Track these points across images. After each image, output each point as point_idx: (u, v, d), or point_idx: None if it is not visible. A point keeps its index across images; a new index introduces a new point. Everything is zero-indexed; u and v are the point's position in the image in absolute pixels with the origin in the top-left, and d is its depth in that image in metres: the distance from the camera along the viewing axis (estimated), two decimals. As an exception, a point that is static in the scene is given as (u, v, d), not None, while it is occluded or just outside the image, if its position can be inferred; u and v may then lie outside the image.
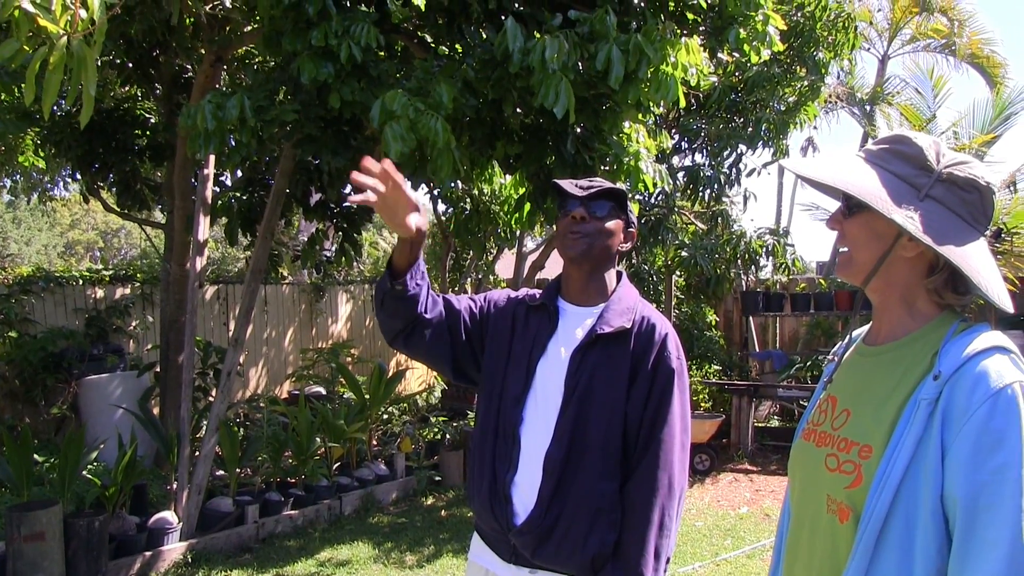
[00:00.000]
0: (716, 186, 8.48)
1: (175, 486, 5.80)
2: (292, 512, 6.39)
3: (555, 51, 3.95)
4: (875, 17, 14.09)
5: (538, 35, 4.16)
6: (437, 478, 7.91)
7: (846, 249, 1.50)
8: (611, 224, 2.15)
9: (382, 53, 4.62)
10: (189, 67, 7.35)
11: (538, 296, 2.26)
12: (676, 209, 9.05)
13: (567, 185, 2.17)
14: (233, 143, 4.42)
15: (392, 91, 3.93)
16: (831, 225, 1.53)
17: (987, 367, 1.29)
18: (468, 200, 7.63)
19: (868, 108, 13.85)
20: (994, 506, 1.20)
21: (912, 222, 1.34)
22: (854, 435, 1.43)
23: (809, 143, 20.84)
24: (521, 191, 6.04)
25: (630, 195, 5.39)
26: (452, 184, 6.41)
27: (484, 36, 4.51)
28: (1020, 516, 1.19)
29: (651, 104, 4.73)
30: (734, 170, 8.63)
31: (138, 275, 9.19)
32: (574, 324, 2.17)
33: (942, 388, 1.30)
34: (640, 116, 5.09)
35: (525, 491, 2.07)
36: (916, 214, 1.36)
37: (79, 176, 7.97)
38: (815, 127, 9.84)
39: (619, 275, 2.27)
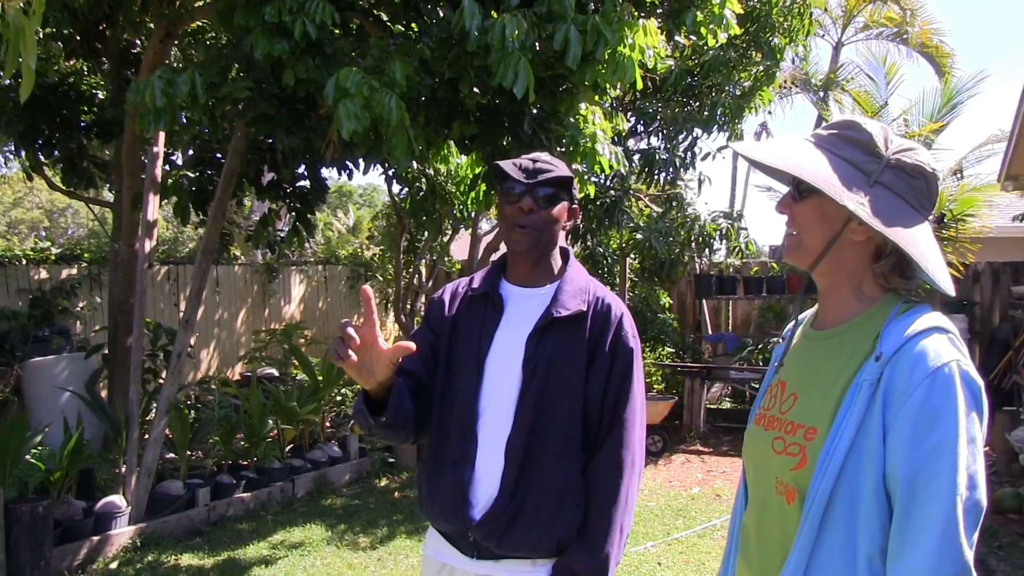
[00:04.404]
0: (671, 169, 8.53)
1: (124, 469, 5.71)
2: (244, 495, 6.32)
3: (514, 29, 3.92)
4: (829, 4, 14.25)
5: (495, 14, 4.13)
6: (391, 460, 7.89)
7: (795, 232, 1.51)
8: (557, 210, 2.10)
9: (337, 31, 4.55)
10: (138, 42, 7.16)
11: (478, 283, 2.20)
12: (631, 192, 9.08)
13: (511, 169, 2.09)
14: (184, 121, 4.32)
15: (346, 69, 3.87)
16: (780, 209, 1.54)
17: (926, 347, 1.31)
18: (424, 180, 7.58)
19: (822, 94, 14.02)
20: (931, 483, 1.24)
21: (863, 208, 1.35)
22: (800, 418, 1.45)
23: (763, 128, 21.11)
24: (477, 171, 6.01)
25: (586, 176, 5.39)
26: (408, 164, 6.35)
27: (441, 15, 4.45)
28: (955, 491, 1.22)
29: (608, 86, 4.72)
30: (689, 153, 8.69)
31: (85, 255, 8.98)
32: (523, 307, 2.13)
33: (883, 369, 1.33)
34: (597, 98, 5.08)
35: (485, 484, 2.04)
36: (866, 199, 1.37)
37: (22, 153, 7.74)
38: (770, 112, 9.96)
39: (564, 252, 2.22)
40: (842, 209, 1.38)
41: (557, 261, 2.19)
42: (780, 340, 1.72)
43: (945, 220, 8.42)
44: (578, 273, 2.18)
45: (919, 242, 1.39)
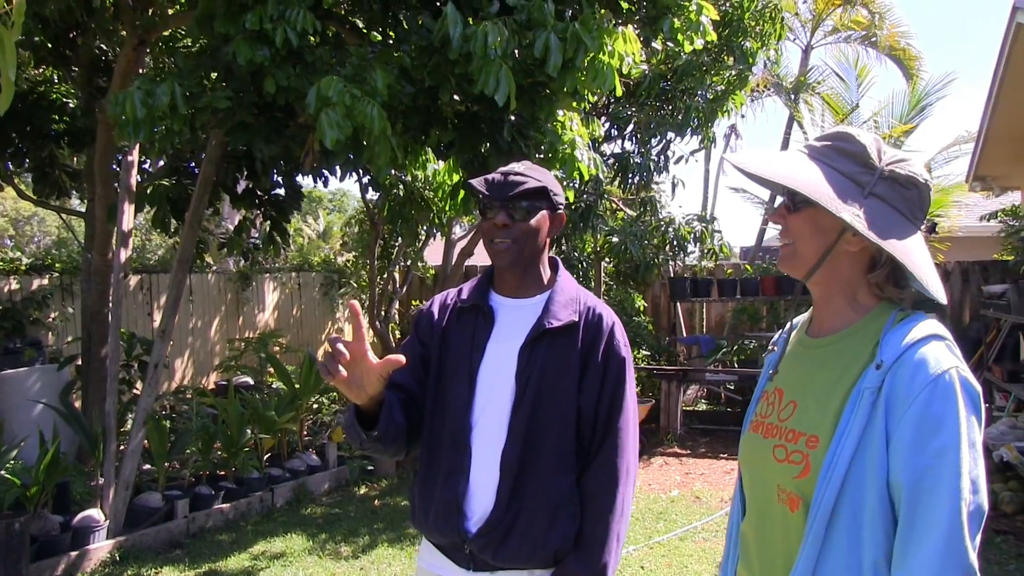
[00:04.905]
0: (645, 173, 8.58)
1: (101, 482, 5.64)
2: (223, 505, 6.27)
3: (496, 37, 3.92)
4: (798, 8, 14.39)
5: (471, 20, 4.14)
6: (370, 468, 7.86)
7: (790, 243, 1.53)
8: (536, 221, 2.07)
9: (315, 39, 4.53)
10: (109, 50, 7.08)
11: (466, 295, 2.18)
12: (605, 196, 9.12)
13: (480, 186, 2.08)
14: (160, 130, 4.27)
15: (328, 77, 3.86)
16: (775, 219, 1.56)
17: (926, 354, 1.33)
18: (401, 186, 7.56)
19: (792, 97, 14.15)
20: (935, 488, 1.25)
21: (859, 220, 1.37)
22: (801, 426, 1.47)
23: (732, 130, 21.29)
24: (456, 178, 6.01)
25: (565, 182, 5.40)
26: (388, 171, 6.35)
27: (421, 22, 4.44)
28: (958, 496, 1.24)
29: (587, 93, 4.74)
30: (662, 157, 8.74)
31: (57, 265, 8.85)
32: (514, 318, 2.12)
33: (884, 376, 1.35)
34: (575, 104, 5.10)
35: (480, 496, 2.03)
36: (861, 211, 1.39)
37: (-9, 162, 7.62)
38: (742, 115, 10.03)
39: (553, 261, 2.22)
40: (837, 220, 1.40)
41: (546, 271, 2.19)
42: (772, 348, 1.74)
43: (936, 229, 8.55)
44: (568, 283, 2.18)
45: (913, 252, 1.41)
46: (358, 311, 1.81)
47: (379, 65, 4.07)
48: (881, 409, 1.33)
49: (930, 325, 1.40)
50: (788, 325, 1.73)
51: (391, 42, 4.80)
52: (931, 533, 1.24)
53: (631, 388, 2.13)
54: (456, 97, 4.65)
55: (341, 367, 1.75)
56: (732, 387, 10.80)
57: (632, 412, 2.11)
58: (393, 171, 6.93)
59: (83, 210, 8.48)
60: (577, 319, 2.09)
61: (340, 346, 1.75)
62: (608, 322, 2.13)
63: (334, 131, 3.75)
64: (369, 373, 1.81)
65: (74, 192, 8.56)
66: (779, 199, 1.61)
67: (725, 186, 24.05)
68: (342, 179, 5.37)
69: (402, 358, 1.80)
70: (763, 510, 1.53)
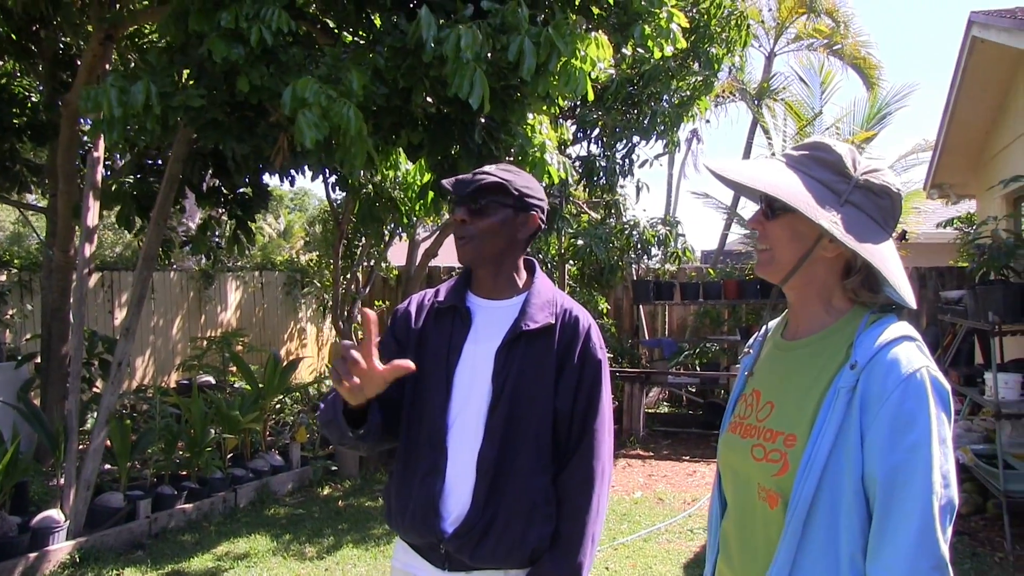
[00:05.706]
0: (610, 176, 8.65)
1: (61, 482, 5.55)
2: (186, 506, 6.20)
3: (470, 41, 3.94)
4: (762, 15, 14.56)
5: (442, 22, 4.15)
6: (333, 468, 7.82)
7: (767, 248, 1.57)
8: (498, 219, 2.07)
9: (289, 38, 4.51)
10: (74, 44, 6.97)
11: (443, 295, 2.19)
12: (569, 198, 9.17)
13: (448, 184, 2.09)
14: (133, 128, 4.22)
15: (304, 78, 3.84)
16: (752, 225, 1.60)
17: (898, 354, 1.39)
18: (371, 187, 7.54)
19: (756, 103, 14.31)
20: (908, 483, 1.31)
21: (836, 227, 1.42)
22: (778, 425, 1.51)
23: (694, 135, 21.46)
24: (426, 178, 6.01)
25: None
26: (360, 172, 6.32)
27: (396, 20, 4.44)
28: (930, 489, 1.30)
29: (559, 97, 4.78)
30: (627, 161, 8.83)
31: (16, 261, 8.69)
32: (491, 320, 2.13)
33: (859, 376, 1.40)
34: (545, 108, 5.13)
35: (456, 497, 2.04)
36: (838, 218, 1.44)
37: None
38: (707, 120, 10.14)
39: (530, 263, 2.23)
40: (815, 227, 1.45)
41: (521, 273, 2.19)
42: (748, 351, 1.79)
43: (905, 237, 8.72)
44: (545, 285, 2.18)
45: (887, 258, 1.47)
46: (373, 320, 1.78)
47: (354, 66, 4.07)
48: (856, 407, 1.38)
49: (901, 327, 1.46)
50: (763, 328, 1.77)
51: (364, 43, 4.80)
52: (905, 525, 1.30)
53: (607, 390, 2.14)
54: (429, 99, 4.66)
55: (353, 374, 1.75)
56: (694, 390, 10.92)
57: (608, 414, 2.13)
58: (363, 171, 6.92)
59: (42, 205, 8.35)
60: (554, 321, 2.10)
61: (355, 354, 1.74)
62: (584, 325, 2.14)
63: (312, 131, 3.74)
64: (374, 378, 1.80)
65: (38, 189, 8.42)
66: (741, 204, 1.66)
67: (687, 190, 24.37)
68: (314, 179, 5.36)
69: (411, 364, 1.79)
70: (743, 508, 1.58)
